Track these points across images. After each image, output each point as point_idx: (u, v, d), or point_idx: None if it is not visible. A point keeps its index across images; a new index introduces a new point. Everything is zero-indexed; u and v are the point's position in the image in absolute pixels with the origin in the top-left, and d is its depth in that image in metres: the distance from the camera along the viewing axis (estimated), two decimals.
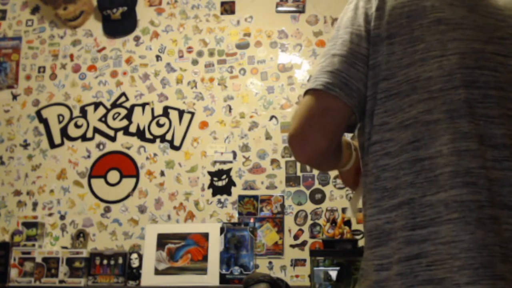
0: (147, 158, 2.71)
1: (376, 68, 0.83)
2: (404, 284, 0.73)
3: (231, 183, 2.64)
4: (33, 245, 2.59)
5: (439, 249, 0.73)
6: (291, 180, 2.62)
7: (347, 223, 2.50)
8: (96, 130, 2.78)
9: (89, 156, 2.75)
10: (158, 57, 2.84)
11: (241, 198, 2.61)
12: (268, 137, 2.68)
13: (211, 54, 2.81)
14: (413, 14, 0.83)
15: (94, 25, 2.92)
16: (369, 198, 0.82)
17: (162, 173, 2.68)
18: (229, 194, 2.63)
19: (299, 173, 2.62)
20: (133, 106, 2.79)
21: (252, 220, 2.57)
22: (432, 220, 0.74)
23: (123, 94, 2.81)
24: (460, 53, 0.80)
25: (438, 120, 0.77)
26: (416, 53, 0.81)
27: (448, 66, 0.79)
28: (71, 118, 2.81)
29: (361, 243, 2.46)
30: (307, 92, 0.86)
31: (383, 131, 0.80)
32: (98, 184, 2.71)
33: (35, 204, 2.71)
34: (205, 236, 2.52)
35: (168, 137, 2.73)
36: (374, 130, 0.81)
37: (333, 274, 2.17)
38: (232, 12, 2.85)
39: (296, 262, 2.52)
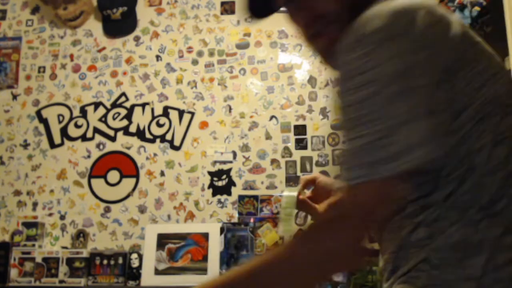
0: (147, 158, 2.71)
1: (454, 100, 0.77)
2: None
3: (231, 183, 2.64)
4: (33, 245, 2.59)
5: None
6: (291, 180, 2.62)
7: None
8: (96, 130, 2.78)
9: (89, 156, 2.75)
10: (158, 57, 2.84)
11: (241, 198, 2.61)
12: (268, 137, 2.68)
13: (211, 54, 2.81)
14: (464, 38, 0.78)
15: (94, 25, 2.92)
16: (452, 214, 0.78)
17: (162, 173, 2.68)
18: (229, 194, 2.63)
19: (299, 173, 2.62)
20: (133, 106, 2.79)
21: (252, 220, 2.57)
22: None
23: (123, 94, 2.81)
24: (501, 67, 0.81)
25: None
26: (481, 73, 0.77)
27: (507, 80, 0.80)
28: (71, 118, 2.81)
29: None
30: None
31: (483, 152, 0.76)
32: (98, 184, 2.71)
33: (35, 204, 2.71)
34: (205, 236, 2.52)
35: (168, 137, 2.73)
36: (473, 155, 0.77)
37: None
38: (232, 12, 2.85)
39: None
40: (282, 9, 1.20)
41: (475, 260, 0.73)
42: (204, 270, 2.45)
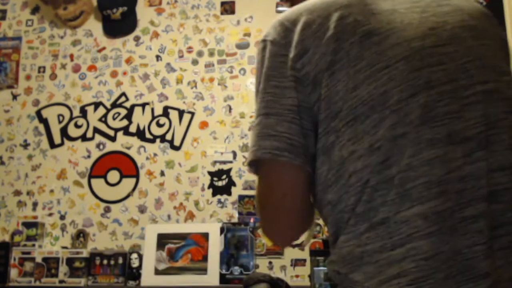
0: (147, 158, 2.71)
1: (324, 103, 0.78)
2: None
3: (231, 183, 2.64)
4: (33, 245, 2.59)
5: (421, 265, 0.70)
6: None
7: None
8: (96, 130, 2.78)
9: (89, 156, 2.75)
10: (158, 57, 2.84)
11: (241, 198, 2.61)
12: None
13: (211, 54, 2.81)
14: (341, 36, 0.79)
15: (94, 25, 2.92)
16: (334, 229, 0.80)
17: (162, 173, 2.68)
18: (229, 194, 2.63)
19: None
20: (133, 106, 2.79)
21: (252, 220, 2.57)
22: (409, 236, 0.71)
23: (123, 94, 2.81)
24: (404, 57, 0.76)
25: (404, 134, 0.73)
26: (360, 72, 0.76)
27: (398, 75, 0.75)
28: (71, 118, 2.81)
29: None
30: (254, 165, 0.83)
31: (354, 160, 0.75)
32: (98, 184, 2.71)
33: (35, 204, 2.71)
34: (205, 236, 2.52)
35: (168, 137, 2.73)
36: (343, 165, 0.76)
37: None
38: (232, 12, 2.85)
39: (296, 262, 2.52)
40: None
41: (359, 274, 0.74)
42: (204, 270, 2.45)
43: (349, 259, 0.75)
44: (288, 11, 0.87)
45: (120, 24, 2.87)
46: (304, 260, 2.50)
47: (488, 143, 0.75)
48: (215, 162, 2.67)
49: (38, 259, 2.53)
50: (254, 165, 0.83)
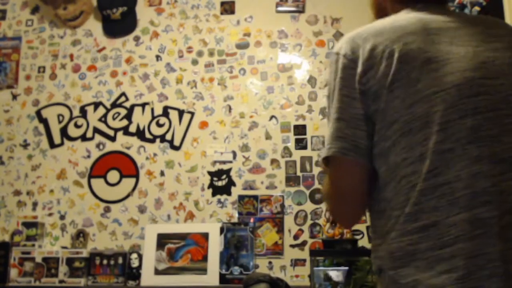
0: (147, 158, 2.71)
1: (381, 115, 0.92)
2: None
3: (231, 183, 2.64)
4: (33, 245, 2.59)
5: (467, 263, 0.81)
6: (291, 180, 2.62)
7: None
8: (96, 130, 2.78)
9: (89, 156, 2.75)
10: (158, 57, 2.84)
11: (241, 198, 2.61)
12: (268, 137, 2.68)
13: (211, 54, 2.81)
14: (404, 59, 0.92)
15: (94, 25, 2.92)
16: (386, 223, 0.92)
17: (162, 173, 2.69)
18: (229, 194, 2.63)
19: (299, 173, 2.62)
20: (133, 106, 2.79)
21: (252, 220, 2.57)
22: (458, 238, 0.83)
23: (123, 94, 2.81)
24: (456, 85, 0.89)
25: (451, 149, 0.86)
26: (418, 92, 0.90)
27: (450, 99, 0.89)
28: (71, 118, 2.81)
29: (361, 243, 2.46)
30: (328, 161, 0.98)
31: (405, 166, 0.89)
32: (98, 184, 2.71)
33: (35, 204, 2.71)
34: (205, 236, 2.52)
35: (168, 137, 2.73)
36: (397, 168, 0.91)
37: (333, 274, 2.17)
38: (232, 12, 2.85)
39: (296, 262, 2.52)
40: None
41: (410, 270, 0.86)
42: (204, 270, 2.45)
43: (400, 255, 0.87)
44: (360, 29, 1.00)
45: (120, 24, 2.87)
46: (304, 260, 2.50)
47: None
48: (215, 162, 2.67)
49: (38, 259, 2.53)
50: (326, 160, 0.98)
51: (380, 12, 1.12)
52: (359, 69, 0.94)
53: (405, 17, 0.99)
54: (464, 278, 0.81)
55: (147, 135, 2.75)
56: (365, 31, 0.98)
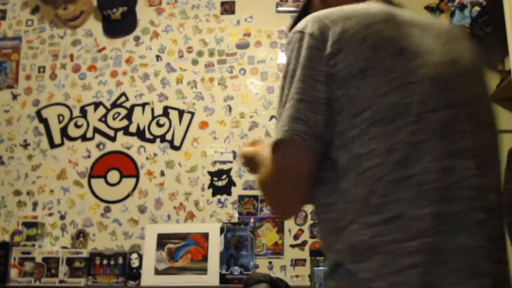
0: (147, 158, 2.71)
1: (349, 102, 0.87)
2: None
3: (231, 183, 2.64)
4: (33, 245, 2.59)
5: (431, 258, 0.79)
6: None
7: None
8: (96, 130, 2.78)
9: (89, 156, 2.75)
10: (158, 57, 2.84)
11: (241, 198, 2.61)
12: (268, 137, 2.68)
13: (211, 54, 2.81)
14: (378, 46, 0.88)
15: (94, 25, 2.93)
16: (343, 217, 0.87)
17: (162, 173, 2.68)
18: (229, 194, 2.63)
19: None
20: (133, 106, 2.79)
21: (252, 220, 2.57)
22: (423, 232, 0.80)
23: (123, 94, 2.81)
24: (429, 78, 0.88)
25: (423, 141, 0.84)
26: (392, 81, 0.86)
27: (423, 91, 0.87)
28: (71, 118, 2.81)
29: None
30: (278, 144, 0.91)
31: (372, 157, 0.84)
32: (98, 184, 2.71)
33: (35, 204, 2.71)
34: (205, 236, 2.52)
35: (168, 137, 2.73)
36: (360, 159, 0.85)
37: None
38: (232, 12, 2.85)
39: (296, 262, 2.52)
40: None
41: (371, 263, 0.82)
42: (204, 270, 2.45)
43: (362, 249, 0.82)
44: (327, 10, 0.95)
45: (120, 24, 2.88)
46: (304, 260, 2.50)
47: (487, 165, 0.89)
48: (215, 162, 2.67)
49: (38, 259, 2.53)
50: (276, 144, 0.91)
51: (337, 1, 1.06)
52: (327, 50, 0.89)
53: (374, 6, 0.96)
54: (425, 274, 0.78)
55: (147, 135, 2.75)
56: (334, 13, 0.93)
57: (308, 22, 0.94)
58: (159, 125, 2.75)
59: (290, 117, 0.88)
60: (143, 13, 2.90)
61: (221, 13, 2.86)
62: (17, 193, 2.74)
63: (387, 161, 0.83)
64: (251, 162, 1.14)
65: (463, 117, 0.88)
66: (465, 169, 0.85)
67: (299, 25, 0.95)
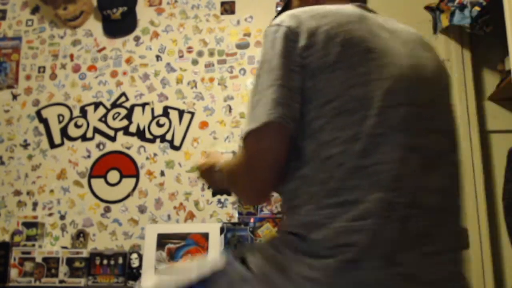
0: (147, 158, 2.71)
1: (318, 93, 0.93)
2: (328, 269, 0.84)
3: None
4: (33, 245, 2.59)
5: (371, 240, 0.85)
6: None
7: None
8: (96, 130, 2.78)
9: (89, 156, 2.75)
10: (158, 57, 2.84)
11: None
12: None
13: (211, 54, 2.81)
14: (347, 43, 0.94)
15: (94, 25, 2.93)
16: (299, 201, 0.93)
17: (162, 173, 2.69)
18: (229, 194, 2.63)
19: None
20: (133, 106, 2.79)
21: (252, 220, 2.57)
22: (370, 214, 0.86)
23: (123, 94, 2.81)
24: (394, 76, 0.94)
25: (382, 134, 0.90)
26: (358, 76, 0.93)
27: (388, 88, 0.93)
28: (71, 118, 2.81)
29: None
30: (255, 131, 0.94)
31: (335, 145, 0.90)
32: (98, 184, 2.71)
33: (35, 204, 2.71)
34: (205, 236, 2.52)
35: (168, 137, 2.73)
36: (325, 146, 0.91)
37: None
38: (232, 12, 2.85)
39: None
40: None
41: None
42: None
43: (310, 226, 0.88)
44: (304, 8, 1.02)
45: (120, 24, 2.88)
46: None
47: (434, 166, 0.95)
48: None
49: (38, 259, 2.53)
50: (252, 131, 0.95)
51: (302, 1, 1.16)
52: (301, 43, 0.95)
53: (347, 7, 1.04)
54: (356, 252, 0.84)
55: (147, 135, 2.75)
56: (310, 11, 1.00)
57: (285, 17, 1.00)
58: (159, 125, 2.75)
59: (273, 101, 0.92)
60: (143, 13, 2.90)
61: (221, 13, 2.86)
62: (17, 193, 2.74)
63: (348, 150, 0.89)
64: (208, 173, 1.21)
65: (421, 116, 0.95)
66: (415, 165, 0.91)
67: (276, 20, 1.01)
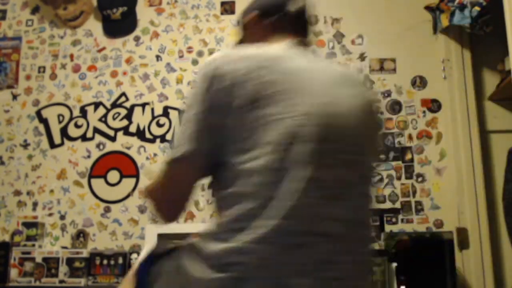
0: (147, 158, 2.71)
1: (231, 132, 1.03)
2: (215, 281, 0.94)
3: None
4: (33, 245, 2.59)
5: (253, 261, 0.94)
6: None
7: None
8: (96, 130, 2.78)
9: (89, 156, 2.75)
10: (158, 57, 2.84)
11: None
12: None
13: (211, 54, 2.81)
14: (257, 88, 1.03)
15: (94, 25, 2.92)
16: (218, 217, 1.06)
17: None
18: None
19: None
20: (133, 106, 2.79)
21: None
22: (261, 240, 0.94)
23: (123, 94, 2.81)
24: (300, 115, 1.01)
25: (284, 168, 0.98)
26: (265, 116, 1.01)
27: (295, 125, 1.00)
28: (71, 118, 2.81)
29: None
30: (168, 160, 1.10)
31: (242, 176, 1.00)
32: (98, 184, 2.71)
33: (35, 204, 2.71)
34: None
35: (168, 137, 2.73)
36: (234, 181, 1.02)
37: None
38: (232, 12, 2.85)
39: None
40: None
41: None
42: None
43: (215, 239, 0.99)
44: (231, 51, 1.12)
45: (120, 24, 2.87)
46: None
47: (339, 197, 1.02)
48: None
49: (38, 259, 2.53)
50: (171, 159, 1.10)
51: (250, 36, 1.29)
52: (216, 86, 1.06)
53: (270, 49, 1.14)
54: (248, 274, 0.93)
55: (147, 135, 2.75)
56: (228, 56, 1.10)
57: (215, 57, 1.11)
58: (159, 125, 2.75)
59: (189, 136, 1.07)
60: (143, 13, 2.90)
61: (221, 13, 2.86)
62: (17, 193, 2.74)
63: (251, 182, 0.99)
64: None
65: (327, 150, 1.02)
66: (315, 196, 0.98)
67: (208, 59, 1.13)
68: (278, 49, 1.15)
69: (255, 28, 1.28)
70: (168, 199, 1.14)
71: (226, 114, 1.04)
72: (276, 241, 0.94)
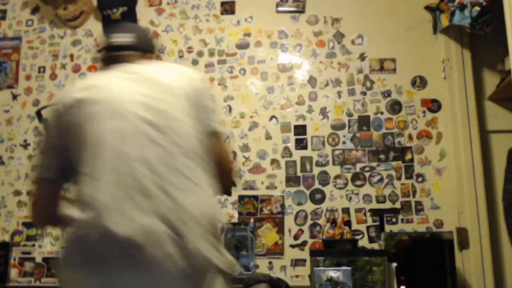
0: None
1: (73, 144, 1.34)
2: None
3: None
4: (33, 245, 2.59)
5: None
6: (291, 180, 2.62)
7: (347, 223, 2.50)
8: None
9: None
10: (158, 57, 2.83)
11: (241, 198, 2.61)
12: (268, 137, 2.68)
13: (211, 54, 2.81)
14: (89, 111, 1.32)
15: (94, 25, 2.93)
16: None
17: None
18: (229, 194, 2.62)
19: (299, 173, 2.62)
20: None
21: (252, 220, 2.57)
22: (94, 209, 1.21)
23: None
24: (109, 131, 1.28)
25: (95, 177, 1.23)
26: (91, 132, 1.28)
27: (102, 139, 1.27)
28: None
29: (361, 243, 2.46)
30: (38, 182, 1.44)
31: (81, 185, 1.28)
32: None
33: None
34: None
35: None
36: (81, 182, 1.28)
37: (333, 274, 2.17)
38: (232, 12, 2.85)
39: (296, 262, 2.52)
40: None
41: None
42: None
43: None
44: (75, 85, 1.42)
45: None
46: (304, 260, 2.50)
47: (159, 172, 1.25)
48: None
49: (38, 259, 2.53)
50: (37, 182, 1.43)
51: (103, 65, 1.55)
52: (63, 110, 1.36)
53: (104, 77, 1.42)
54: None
55: None
56: (78, 86, 1.39)
57: (64, 92, 1.46)
58: None
59: (42, 164, 1.46)
60: (143, 13, 2.90)
61: (221, 13, 2.86)
62: (17, 193, 2.74)
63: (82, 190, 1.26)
64: None
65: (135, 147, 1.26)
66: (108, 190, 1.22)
67: (57, 95, 1.48)
68: (108, 76, 1.44)
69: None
70: (33, 210, 1.47)
71: (67, 133, 1.40)
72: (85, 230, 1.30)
